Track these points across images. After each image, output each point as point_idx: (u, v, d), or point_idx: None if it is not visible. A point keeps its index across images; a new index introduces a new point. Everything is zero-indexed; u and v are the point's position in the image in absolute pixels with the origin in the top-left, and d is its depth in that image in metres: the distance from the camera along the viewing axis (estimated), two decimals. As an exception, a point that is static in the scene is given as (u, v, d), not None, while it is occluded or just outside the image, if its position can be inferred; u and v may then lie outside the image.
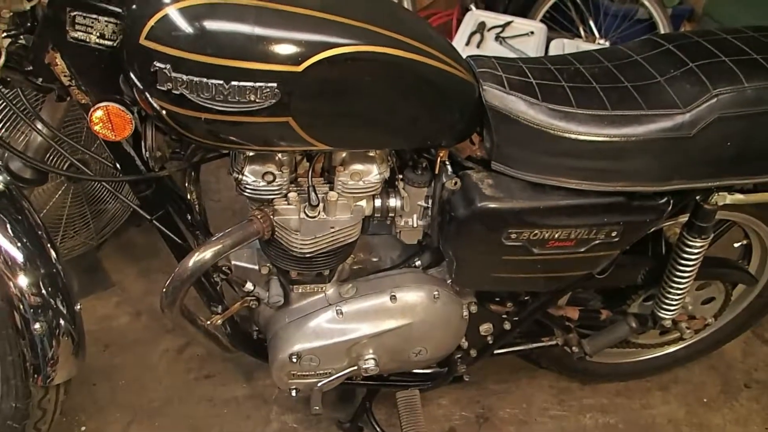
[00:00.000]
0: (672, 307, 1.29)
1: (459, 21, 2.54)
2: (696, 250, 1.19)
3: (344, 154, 1.02)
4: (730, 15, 2.76)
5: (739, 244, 1.45)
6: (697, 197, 1.12)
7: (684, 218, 1.19)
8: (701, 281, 1.37)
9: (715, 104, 0.97)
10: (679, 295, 1.27)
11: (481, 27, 2.37)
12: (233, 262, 1.18)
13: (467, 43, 2.29)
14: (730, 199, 1.10)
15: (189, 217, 1.18)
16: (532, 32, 2.38)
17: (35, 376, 1.04)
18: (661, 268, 1.27)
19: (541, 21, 2.63)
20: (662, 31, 2.69)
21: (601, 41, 2.64)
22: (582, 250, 1.09)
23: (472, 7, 2.52)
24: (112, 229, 1.87)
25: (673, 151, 1.00)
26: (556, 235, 1.06)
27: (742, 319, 1.55)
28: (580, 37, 2.67)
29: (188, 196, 1.19)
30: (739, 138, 1.00)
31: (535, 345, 1.42)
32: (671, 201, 1.07)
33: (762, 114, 0.98)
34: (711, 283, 1.40)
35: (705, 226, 1.15)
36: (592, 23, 2.70)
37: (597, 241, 1.08)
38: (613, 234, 1.08)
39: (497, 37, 2.33)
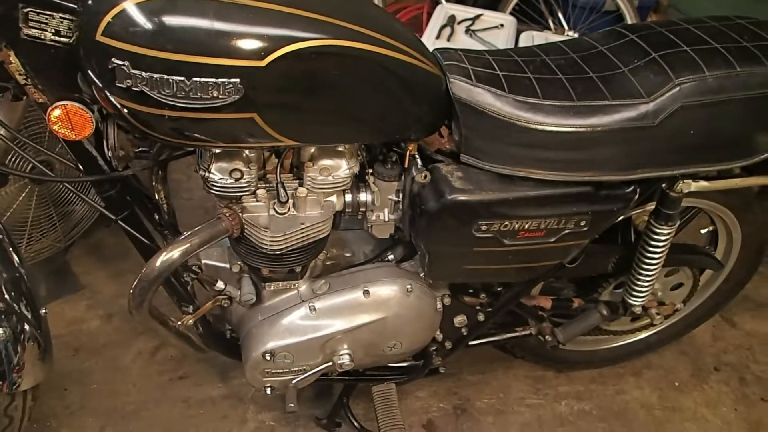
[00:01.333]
0: (641, 294, 1.32)
1: (429, 14, 2.54)
2: (663, 237, 1.21)
3: (313, 150, 1.01)
4: (694, 6, 2.81)
5: (705, 230, 1.48)
6: (663, 185, 1.13)
7: (651, 206, 1.21)
8: (669, 268, 1.40)
9: (678, 93, 0.99)
10: (648, 281, 1.29)
11: (452, 20, 2.38)
12: (203, 261, 1.16)
13: (437, 37, 2.29)
14: (695, 186, 1.12)
15: (157, 217, 1.16)
16: (501, 25, 2.39)
17: (0, 382, 1.02)
18: (630, 255, 1.29)
19: (511, 14, 2.65)
20: (629, 23, 2.73)
21: (570, 33, 2.66)
22: (552, 239, 1.10)
23: (443, 0, 2.52)
24: (81, 231, 1.84)
25: (637, 141, 1.01)
26: (526, 226, 1.07)
27: (710, 304, 1.59)
28: (549, 29, 2.69)
29: (155, 195, 1.17)
30: (702, 126, 1.02)
31: (509, 335, 1.43)
32: (638, 189, 1.08)
33: (723, 102, 1.00)
34: (679, 270, 1.43)
35: (671, 213, 1.17)
36: (560, 15, 2.73)
37: (566, 231, 1.10)
38: (582, 223, 1.09)
39: (467, 30, 2.34)
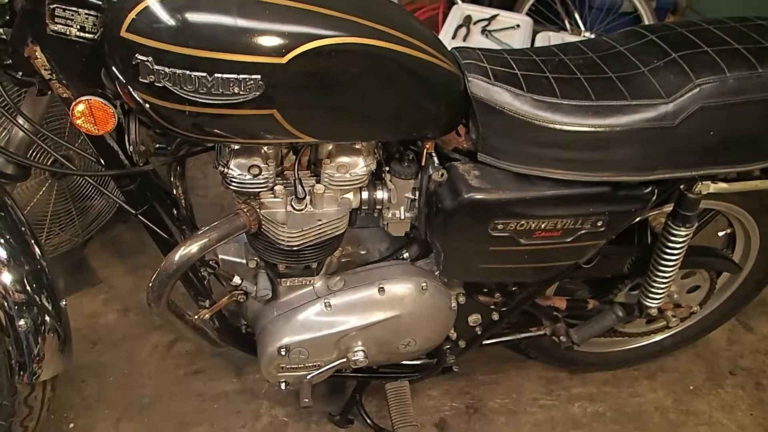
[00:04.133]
0: (658, 296, 1.31)
1: (445, 15, 2.54)
2: (681, 239, 1.20)
3: (330, 147, 1.02)
4: (713, 7, 2.78)
5: (723, 233, 1.47)
6: (681, 186, 1.12)
7: (669, 208, 1.20)
8: (686, 270, 1.39)
9: (698, 94, 0.98)
10: (664, 283, 1.28)
11: (467, 20, 2.38)
12: (220, 256, 1.17)
13: (453, 37, 2.29)
14: (713, 188, 1.11)
15: (175, 212, 1.17)
16: (518, 25, 2.39)
17: (21, 373, 1.03)
18: (647, 257, 1.28)
19: (527, 14, 2.64)
20: (646, 24, 2.71)
21: (587, 34, 2.65)
22: (568, 240, 1.10)
23: (458, 0, 2.52)
24: (99, 225, 1.86)
25: (656, 141, 1.01)
26: (543, 226, 1.07)
27: (726, 307, 1.57)
28: (565, 30, 2.68)
29: (174, 191, 1.19)
30: (721, 127, 1.01)
31: (523, 335, 1.43)
32: (656, 190, 1.08)
33: (744, 103, 0.99)
34: (696, 272, 1.42)
35: (689, 215, 1.16)
36: (577, 16, 2.72)
37: (583, 231, 1.09)
38: (599, 224, 1.09)
39: (483, 31, 2.34)
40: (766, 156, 1.07)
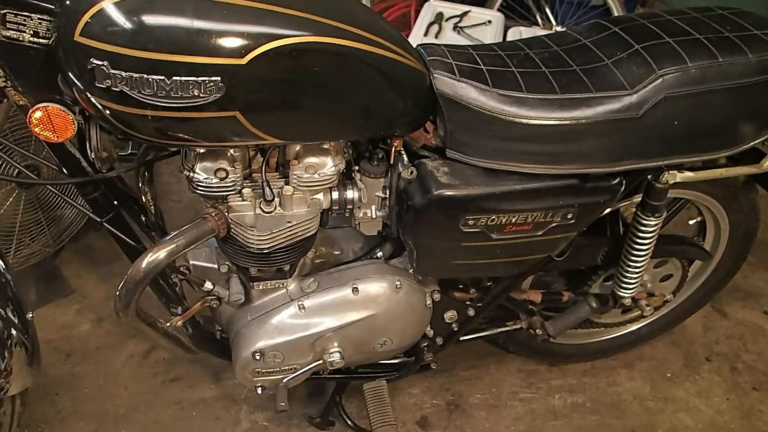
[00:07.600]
0: (630, 286, 1.32)
1: (417, 12, 2.54)
2: (650, 229, 1.22)
3: (298, 148, 1.01)
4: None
5: (693, 221, 1.49)
6: (649, 176, 1.14)
7: (638, 198, 1.21)
8: (658, 259, 1.40)
9: (661, 85, 0.99)
10: (636, 273, 1.29)
11: (439, 17, 2.38)
12: (191, 262, 1.16)
13: (425, 34, 2.29)
14: (680, 177, 1.12)
15: (144, 218, 1.15)
16: (489, 21, 2.39)
17: (-13, 388, 1.01)
18: (619, 248, 1.30)
19: (498, 10, 2.65)
20: (616, 16, 2.73)
21: (558, 28, 2.66)
22: (539, 233, 1.10)
23: (430, -3, 2.52)
24: (70, 235, 1.83)
25: (622, 132, 1.01)
26: (513, 220, 1.07)
27: (700, 294, 1.59)
28: (537, 24, 2.69)
29: (142, 197, 1.17)
30: (685, 117, 1.02)
31: (500, 329, 1.44)
32: (623, 181, 1.09)
33: (706, 93, 1.00)
34: (668, 261, 1.43)
35: (658, 204, 1.18)
36: (548, 11, 2.73)
37: (554, 224, 1.10)
38: (569, 216, 1.09)
39: (455, 27, 2.34)
40: (731, 144, 1.08)
